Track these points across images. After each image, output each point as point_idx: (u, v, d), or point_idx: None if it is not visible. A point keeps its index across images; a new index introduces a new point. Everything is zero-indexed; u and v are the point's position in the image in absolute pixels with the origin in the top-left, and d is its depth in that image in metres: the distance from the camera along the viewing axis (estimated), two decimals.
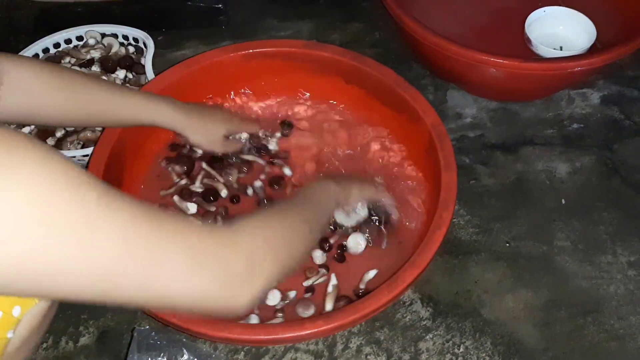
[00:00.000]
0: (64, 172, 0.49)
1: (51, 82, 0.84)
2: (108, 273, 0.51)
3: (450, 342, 0.94)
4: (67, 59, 1.23)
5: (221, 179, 1.07)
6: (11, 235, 0.46)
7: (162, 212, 0.57)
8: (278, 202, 0.84)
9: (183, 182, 1.07)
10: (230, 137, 1.09)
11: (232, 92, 1.18)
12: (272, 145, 1.12)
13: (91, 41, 1.26)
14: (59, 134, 1.12)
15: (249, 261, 0.62)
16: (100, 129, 1.12)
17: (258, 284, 0.63)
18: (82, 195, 0.49)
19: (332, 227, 1.00)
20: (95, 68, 1.20)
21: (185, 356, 0.88)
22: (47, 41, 1.26)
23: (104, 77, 1.18)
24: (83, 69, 1.19)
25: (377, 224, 1.00)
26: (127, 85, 1.19)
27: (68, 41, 1.28)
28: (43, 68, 0.85)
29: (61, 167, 0.49)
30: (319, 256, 0.98)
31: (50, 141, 1.11)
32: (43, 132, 1.12)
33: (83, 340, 0.95)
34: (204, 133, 1.04)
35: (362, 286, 0.95)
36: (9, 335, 0.65)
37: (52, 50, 1.25)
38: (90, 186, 0.50)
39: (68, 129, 1.12)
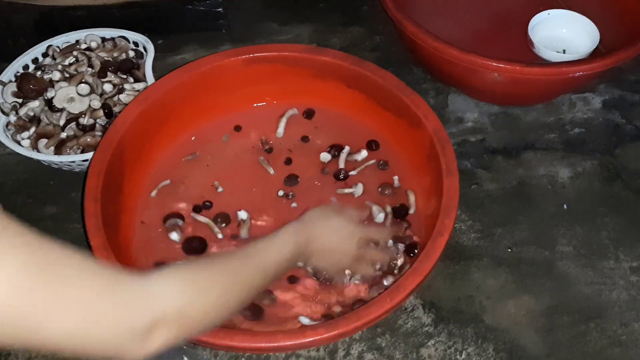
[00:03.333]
0: None
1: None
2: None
3: (452, 348, 0.93)
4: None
5: None
6: None
7: (66, 254, 0.54)
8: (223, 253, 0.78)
9: None
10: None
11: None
12: None
13: (93, 44, 1.25)
14: (63, 135, 1.12)
15: (152, 323, 0.58)
16: (100, 133, 1.11)
17: (154, 346, 0.59)
18: None
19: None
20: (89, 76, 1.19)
21: None
22: (46, 45, 1.25)
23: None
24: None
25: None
26: (123, 88, 1.18)
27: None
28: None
29: None
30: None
31: (52, 142, 1.10)
32: (44, 134, 1.11)
33: None
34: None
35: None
36: None
37: (51, 54, 1.24)
38: None
39: (68, 133, 1.12)
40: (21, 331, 0.51)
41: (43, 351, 0.60)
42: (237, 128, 1.16)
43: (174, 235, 1.01)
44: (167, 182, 1.08)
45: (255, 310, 0.92)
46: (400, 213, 1.03)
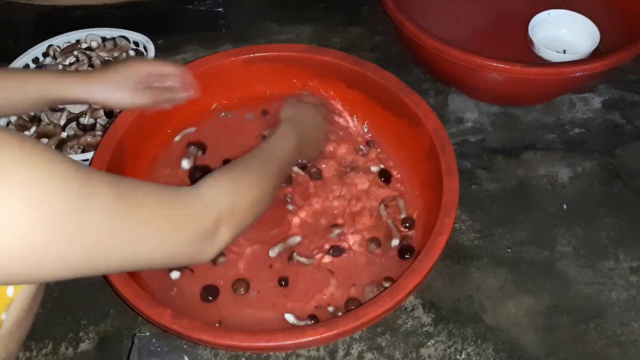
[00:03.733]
0: (48, 165, 0.53)
1: None
2: (94, 255, 0.58)
3: (452, 348, 0.93)
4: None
5: None
6: (2, 227, 0.49)
7: (140, 187, 0.64)
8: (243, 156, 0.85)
9: None
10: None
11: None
12: None
13: (94, 44, 1.25)
14: (63, 134, 1.12)
15: (216, 221, 0.71)
16: (100, 133, 1.11)
17: (223, 241, 0.72)
18: (63, 188, 0.53)
19: None
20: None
21: None
22: (46, 45, 1.25)
23: None
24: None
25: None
26: None
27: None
28: None
29: (45, 159, 0.53)
30: None
31: (52, 142, 1.10)
32: (44, 134, 1.12)
33: (83, 346, 0.95)
34: (117, 82, 0.95)
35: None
36: (2, 317, 0.67)
37: (52, 53, 1.25)
38: (72, 177, 0.54)
39: (69, 133, 1.12)
40: (115, 253, 0.60)
41: (133, 268, 0.71)
42: (238, 127, 1.16)
43: None
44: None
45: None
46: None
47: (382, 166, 1.08)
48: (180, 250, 0.68)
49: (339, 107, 1.15)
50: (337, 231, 1.00)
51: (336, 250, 0.98)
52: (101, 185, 0.58)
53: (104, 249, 0.58)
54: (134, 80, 0.96)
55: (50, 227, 0.52)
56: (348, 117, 1.14)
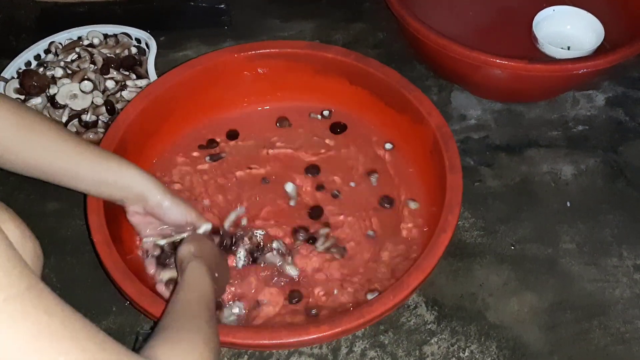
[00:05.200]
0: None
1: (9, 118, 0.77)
2: None
3: (455, 345, 0.93)
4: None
5: None
6: None
7: (82, 326, 0.53)
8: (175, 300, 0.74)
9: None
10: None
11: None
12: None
13: (95, 41, 1.25)
14: (64, 118, 1.11)
15: None
16: (102, 130, 1.11)
17: None
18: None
19: None
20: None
21: None
22: (48, 41, 1.25)
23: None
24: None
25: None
26: (125, 85, 1.18)
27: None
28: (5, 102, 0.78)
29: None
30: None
31: None
32: None
33: None
34: (181, 206, 0.91)
35: None
36: None
37: (53, 50, 1.24)
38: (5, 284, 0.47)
39: (71, 129, 1.12)
40: None
41: None
42: (240, 126, 1.15)
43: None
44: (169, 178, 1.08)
45: None
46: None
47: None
48: None
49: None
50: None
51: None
52: (40, 303, 0.50)
53: None
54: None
55: None
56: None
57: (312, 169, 1.09)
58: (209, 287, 0.78)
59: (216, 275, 0.83)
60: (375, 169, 1.08)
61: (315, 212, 1.04)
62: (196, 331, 0.68)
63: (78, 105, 1.14)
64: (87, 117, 1.13)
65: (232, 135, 1.14)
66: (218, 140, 1.13)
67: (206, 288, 0.78)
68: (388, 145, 1.11)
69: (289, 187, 1.06)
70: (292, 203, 1.05)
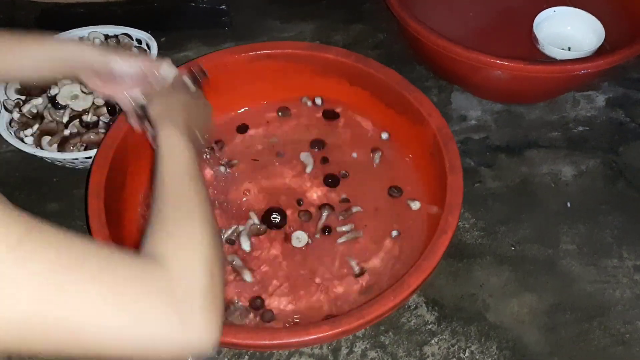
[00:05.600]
0: None
1: None
2: (27, 323, 0.48)
3: (456, 346, 0.93)
4: None
5: None
6: None
7: (88, 249, 0.52)
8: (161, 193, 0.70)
9: None
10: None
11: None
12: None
13: (96, 41, 1.25)
14: (66, 132, 1.11)
15: (182, 295, 0.55)
16: (103, 130, 1.11)
17: (220, 316, 0.57)
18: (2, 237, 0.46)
19: None
20: None
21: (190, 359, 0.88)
22: None
23: None
24: None
25: None
26: None
27: None
28: None
29: None
30: None
31: (55, 139, 1.10)
32: (47, 132, 1.11)
33: None
34: (129, 57, 0.90)
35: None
36: None
37: None
38: (3, 234, 0.47)
39: (72, 130, 1.12)
40: (60, 336, 0.49)
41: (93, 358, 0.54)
42: (240, 126, 1.16)
43: None
44: None
45: None
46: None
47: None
48: (148, 333, 0.53)
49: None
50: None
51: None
52: (40, 245, 0.49)
53: (34, 319, 0.48)
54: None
55: None
56: None
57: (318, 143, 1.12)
58: (187, 152, 0.74)
59: (193, 129, 0.80)
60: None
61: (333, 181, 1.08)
62: (192, 215, 0.65)
63: (79, 105, 1.14)
64: (88, 118, 1.13)
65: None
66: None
67: (185, 156, 0.74)
68: (384, 135, 1.12)
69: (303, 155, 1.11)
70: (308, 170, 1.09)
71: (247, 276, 0.96)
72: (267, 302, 0.94)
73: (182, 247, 0.61)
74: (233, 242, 1.00)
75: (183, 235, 0.62)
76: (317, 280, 0.96)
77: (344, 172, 1.09)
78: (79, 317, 0.49)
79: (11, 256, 0.47)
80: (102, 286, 0.51)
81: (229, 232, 1.01)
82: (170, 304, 0.54)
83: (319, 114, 1.16)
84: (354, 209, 1.04)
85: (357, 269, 0.97)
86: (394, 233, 1.00)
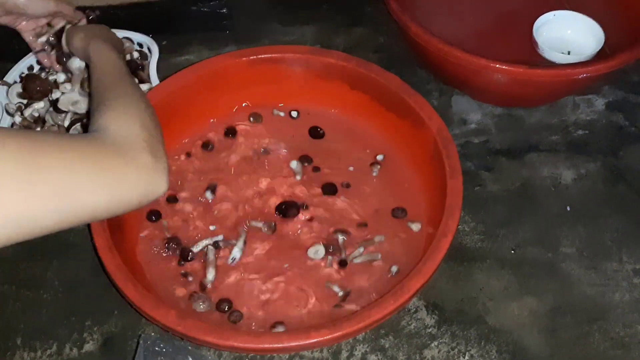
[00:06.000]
0: None
1: None
2: (20, 218, 0.58)
3: (456, 349, 0.94)
4: None
5: None
6: None
7: (46, 136, 0.65)
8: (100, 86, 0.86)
9: None
10: None
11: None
12: None
13: None
14: (66, 122, 1.12)
15: (148, 148, 0.72)
16: None
17: (164, 161, 0.74)
18: None
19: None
20: None
21: None
22: None
23: None
24: None
25: None
26: None
27: None
28: None
29: None
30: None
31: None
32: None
33: (87, 347, 0.95)
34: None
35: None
36: None
37: None
38: None
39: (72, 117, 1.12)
40: (45, 205, 0.60)
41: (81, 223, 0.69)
42: (242, 129, 1.16)
43: None
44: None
45: None
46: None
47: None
48: (133, 191, 0.69)
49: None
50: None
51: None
52: (8, 135, 0.59)
53: (26, 208, 0.58)
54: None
55: None
56: None
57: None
58: (117, 56, 0.93)
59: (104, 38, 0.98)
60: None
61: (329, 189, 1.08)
62: (126, 93, 0.82)
63: (81, 108, 1.14)
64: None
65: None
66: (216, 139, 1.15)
67: (115, 58, 0.92)
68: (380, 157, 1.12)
69: (294, 164, 1.10)
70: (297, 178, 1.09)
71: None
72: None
73: (121, 115, 0.75)
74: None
75: (119, 107, 0.77)
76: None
77: (345, 182, 1.08)
78: (57, 187, 0.61)
79: None
80: (67, 160, 0.63)
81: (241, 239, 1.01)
82: (121, 156, 0.68)
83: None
84: (377, 239, 1.01)
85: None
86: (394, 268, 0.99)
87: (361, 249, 0.99)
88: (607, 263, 1.03)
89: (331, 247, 0.99)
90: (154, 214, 1.04)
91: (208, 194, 1.07)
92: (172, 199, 1.06)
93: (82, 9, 1.19)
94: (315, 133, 1.15)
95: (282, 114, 1.18)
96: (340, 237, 1.00)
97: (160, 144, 0.76)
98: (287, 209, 1.03)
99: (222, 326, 0.90)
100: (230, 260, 0.98)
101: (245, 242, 1.00)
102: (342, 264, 0.98)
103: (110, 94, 0.81)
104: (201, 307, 0.92)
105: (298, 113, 1.18)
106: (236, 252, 0.98)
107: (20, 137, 0.60)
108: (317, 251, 0.98)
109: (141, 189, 0.69)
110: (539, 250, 1.05)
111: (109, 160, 0.67)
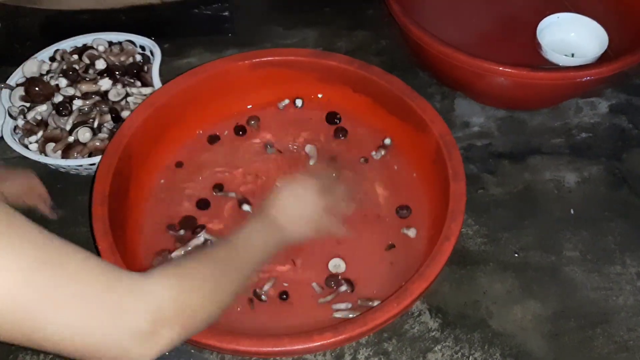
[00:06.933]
0: None
1: None
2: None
3: (459, 353, 0.93)
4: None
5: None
6: None
7: (68, 251, 0.56)
8: (213, 244, 0.78)
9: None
10: None
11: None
12: None
13: (100, 48, 1.26)
14: (70, 139, 1.12)
15: (154, 320, 0.58)
16: (107, 136, 1.12)
17: (165, 345, 0.59)
18: None
19: None
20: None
21: None
22: (53, 49, 1.25)
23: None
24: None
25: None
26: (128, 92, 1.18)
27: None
28: None
29: None
30: None
31: (59, 146, 1.10)
32: (51, 139, 1.12)
33: None
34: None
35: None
36: None
37: (58, 58, 1.25)
38: None
39: (78, 137, 1.12)
40: (25, 326, 0.52)
41: (46, 349, 0.56)
42: (243, 131, 1.16)
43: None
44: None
45: None
46: None
47: None
48: (102, 344, 0.56)
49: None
50: None
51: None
52: (23, 239, 0.52)
53: (12, 310, 0.51)
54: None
55: None
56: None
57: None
58: (264, 245, 0.79)
59: (291, 233, 0.83)
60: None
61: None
62: (203, 271, 0.68)
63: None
64: (92, 125, 1.13)
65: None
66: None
67: (258, 243, 0.78)
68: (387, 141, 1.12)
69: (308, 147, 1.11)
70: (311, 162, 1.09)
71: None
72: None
73: (177, 288, 0.62)
74: None
75: (187, 285, 0.64)
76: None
77: None
78: (44, 313, 0.52)
79: None
80: (75, 287, 0.54)
81: None
82: (126, 327, 0.57)
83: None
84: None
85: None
86: None
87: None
88: (610, 267, 1.03)
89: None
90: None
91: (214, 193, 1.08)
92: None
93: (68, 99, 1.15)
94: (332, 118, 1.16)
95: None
96: None
97: (182, 329, 0.61)
98: None
99: (224, 330, 0.90)
100: None
101: None
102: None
103: (201, 259, 0.70)
104: None
105: (302, 102, 1.18)
106: None
107: (40, 243, 0.54)
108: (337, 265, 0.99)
109: (115, 340, 0.57)
110: (542, 254, 1.04)
111: (111, 295, 0.57)
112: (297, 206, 0.87)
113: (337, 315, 0.92)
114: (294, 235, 0.85)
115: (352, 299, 0.94)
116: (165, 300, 0.60)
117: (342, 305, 0.93)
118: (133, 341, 0.57)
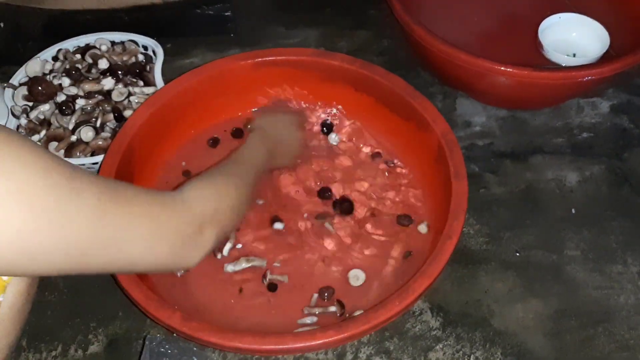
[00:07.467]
0: (31, 157, 0.55)
1: None
2: (79, 250, 0.59)
3: (461, 352, 0.93)
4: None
5: None
6: None
7: (126, 189, 0.66)
8: (225, 163, 0.89)
9: None
10: None
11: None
12: None
13: (103, 48, 1.26)
14: (73, 138, 1.12)
15: (200, 224, 0.72)
16: (110, 135, 1.12)
17: (208, 244, 0.74)
18: (53, 182, 0.56)
19: None
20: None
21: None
22: (55, 49, 1.26)
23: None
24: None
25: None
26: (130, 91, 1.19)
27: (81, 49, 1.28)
28: None
29: (28, 151, 0.55)
30: None
31: (62, 145, 1.11)
32: (54, 137, 1.12)
33: (92, 349, 0.95)
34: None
35: None
36: (0, 298, 0.69)
37: (61, 57, 1.25)
38: (55, 170, 0.56)
39: (81, 136, 1.12)
40: (110, 245, 0.62)
41: (121, 269, 0.72)
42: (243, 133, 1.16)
43: None
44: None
45: None
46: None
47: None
48: (165, 253, 0.69)
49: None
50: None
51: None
52: (86, 182, 0.60)
53: (87, 245, 0.60)
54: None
55: (36, 218, 0.54)
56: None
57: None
58: (259, 156, 0.94)
59: (274, 147, 0.98)
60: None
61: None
62: (227, 180, 0.83)
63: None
64: (94, 124, 1.13)
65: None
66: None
67: (256, 155, 0.94)
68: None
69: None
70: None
71: None
72: None
73: (211, 197, 0.77)
74: None
75: (218, 193, 0.79)
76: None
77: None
78: (122, 239, 0.63)
79: (56, 196, 0.56)
80: (139, 216, 0.65)
81: None
82: (182, 240, 0.70)
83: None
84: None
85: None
86: None
87: None
88: (612, 266, 1.03)
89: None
90: None
91: None
92: None
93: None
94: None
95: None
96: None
97: (218, 229, 0.76)
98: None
99: (227, 327, 0.90)
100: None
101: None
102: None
103: (222, 171, 0.86)
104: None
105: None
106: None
107: (100, 186, 0.61)
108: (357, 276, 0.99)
109: (174, 248, 0.70)
110: (544, 253, 1.05)
111: (163, 214, 0.68)
112: (284, 137, 1.05)
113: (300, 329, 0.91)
114: (279, 161, 1.03)
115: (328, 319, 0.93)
116: (206, 207, 0.74)
117: (308, 320, 0.93)
118: (185, 245, 0.71)
